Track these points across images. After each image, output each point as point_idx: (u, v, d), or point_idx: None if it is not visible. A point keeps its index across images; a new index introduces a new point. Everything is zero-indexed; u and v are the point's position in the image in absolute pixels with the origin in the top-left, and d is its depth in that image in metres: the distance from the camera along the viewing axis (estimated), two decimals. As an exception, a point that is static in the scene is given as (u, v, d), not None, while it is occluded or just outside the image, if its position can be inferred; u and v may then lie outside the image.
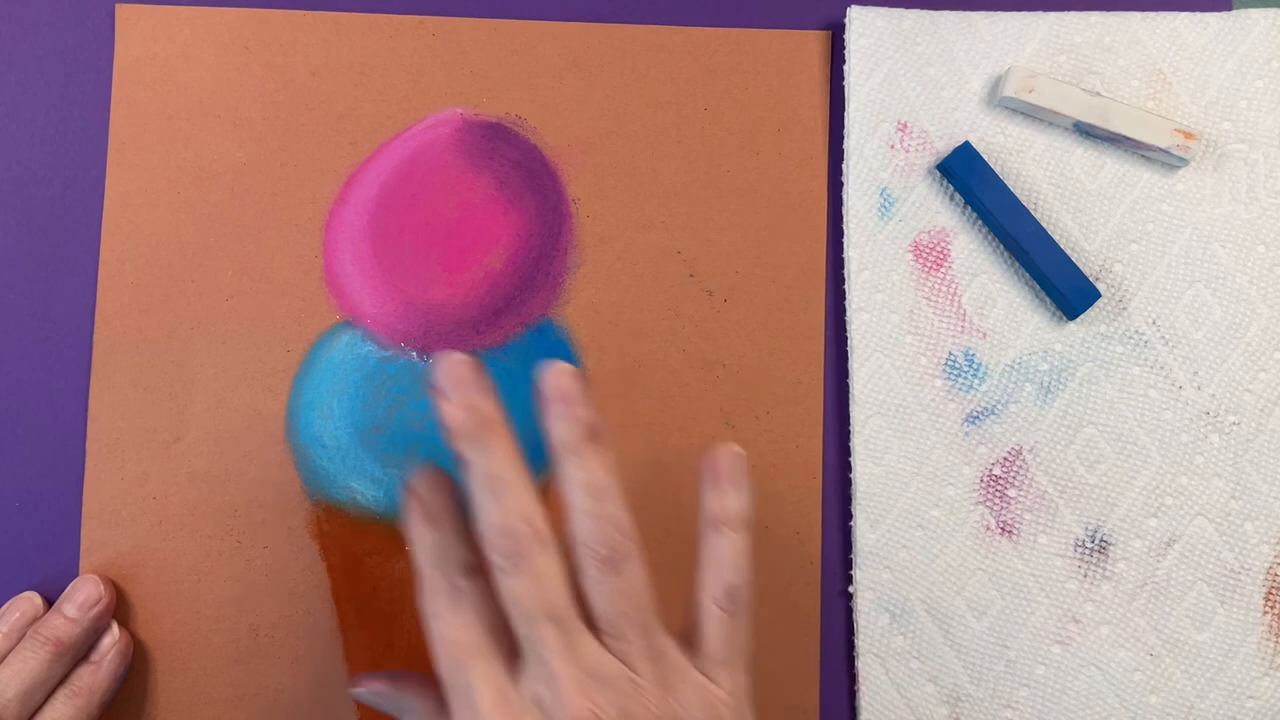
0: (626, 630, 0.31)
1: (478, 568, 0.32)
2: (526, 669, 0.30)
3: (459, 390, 0.31)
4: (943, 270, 0.41)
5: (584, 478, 0.31)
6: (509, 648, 0.31)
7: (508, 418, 0.32)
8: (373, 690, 0.35)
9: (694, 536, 0.41)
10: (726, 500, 0.33)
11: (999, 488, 0.41)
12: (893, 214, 0.41)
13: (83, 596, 0.38)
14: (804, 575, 0.41)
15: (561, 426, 0.32)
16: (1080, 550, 0.40)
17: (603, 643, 0.31)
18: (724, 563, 0.32)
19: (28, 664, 0.36)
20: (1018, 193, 0.41)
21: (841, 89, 0.42)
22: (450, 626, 0.31)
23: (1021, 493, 0.41)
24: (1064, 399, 0.41)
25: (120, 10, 0.41)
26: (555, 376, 0.32)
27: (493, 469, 0.31)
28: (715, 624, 0.32)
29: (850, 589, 0.41)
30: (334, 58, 0.42)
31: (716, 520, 0.33)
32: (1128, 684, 0.40)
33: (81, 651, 0.38)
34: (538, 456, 0.41)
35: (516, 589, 0.30)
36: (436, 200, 0.42)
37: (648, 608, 0.31)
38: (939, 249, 0.41)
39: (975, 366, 0.41)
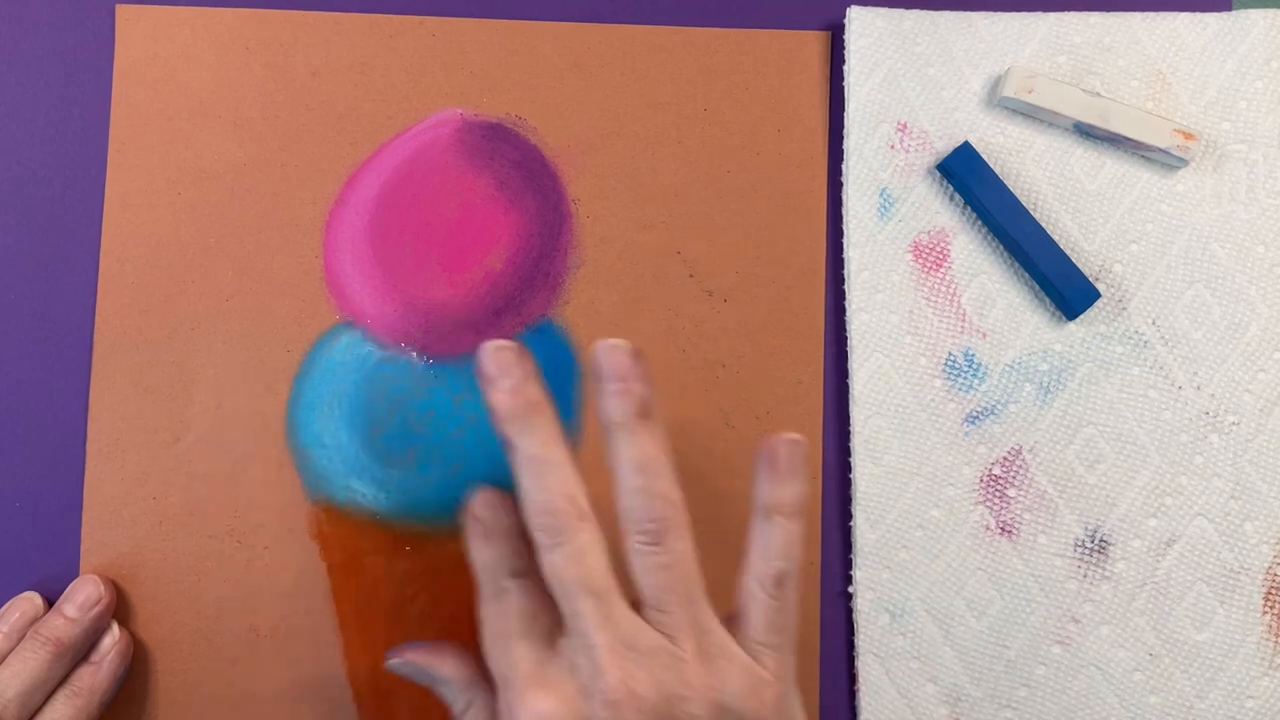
0: (670, 604, 0.31)
1: (525, 571, 0.32)
2: (567, 642, 0.31)
3: (504, 375, 0.32)
4: (942, 270, 0.41)
5: (633, 453, 0.32)
6: (553, 629, 0.31)
7: (551, 400, 0.33)
8: (407, 660, 0.35)
9: (694, 536, 0.41)
10: (782, 489, 0.33)
11: (999, 488, 0.41)
12: (892, 214, 0.41)
13: (83, 596, 0.38)
14: (804, 575, 0.41)
15: (613, 403, 0.32)
16: (1080, 550, 0.40)
17: (646, 617, 0.31)
18: (774, 549, 0.32)
19: (28, 664, 0.36)
20: (1018, 193, 0.41)
21: (841, 89, 0.42)
22: (493, 619, 0.32)
23: (1021, 493, 0.41)
24: (1064, 399, 0.41)
25: (120, 10, 0.41)
26: (610, 353, 0.32)
27: (536, 450, 0.31)
28: (762, 608, 0.32)
29: (850, 589, 0.41)
30: (334, 58, 0.42)
31: (770, 508, 0.33)
32: (1127, 684, 0.40)
33: (82, 652, 0.38)
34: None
35: (556, 564, 0.31)
36: (437, 200, 0.42)
37: (694, 583, 0.31)
38: (939, 249, 0.41)
39: (975, 366, 0.41)
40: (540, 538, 0.31)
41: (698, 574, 0.32)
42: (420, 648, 0.36)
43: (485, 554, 0.33)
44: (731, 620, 0.32)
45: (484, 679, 0.34)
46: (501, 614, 0.32)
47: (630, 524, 0.31)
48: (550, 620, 0.32)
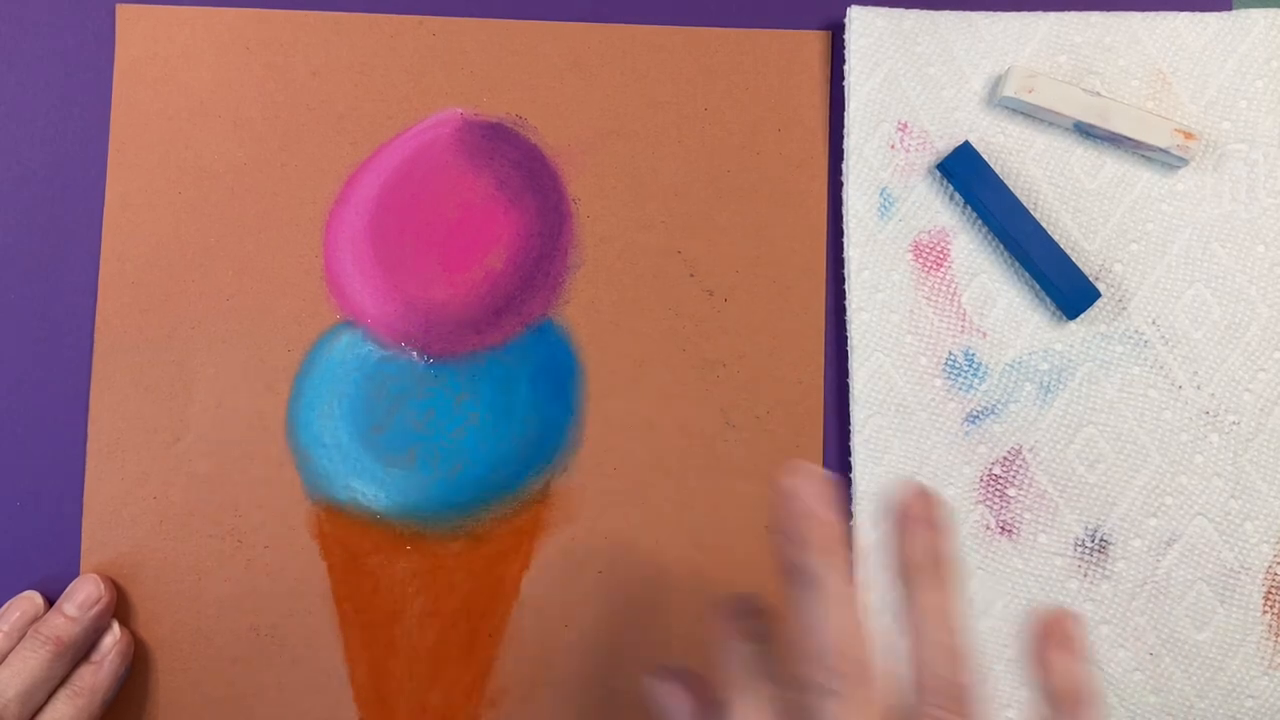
0: None
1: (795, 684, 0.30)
2: None
3: (811, 503, 0.30)
4: (943, 270, 0.41)
5: (936, 604, 0.29)
6: None
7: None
8: (663, 688, 0.33)
9: (695, 537, 0.41)
10: (1074, 672, 0.29)
11: (999, 487, 0.41)
12: (893, 214, 0.41)
13: (83, 596, 0.38)
14: (804, 575, 0.41)
15: (916, 547, 0.30)
16: (1080, 550, 0.40)
17: None
18: None
19: (28, 664, 0.36)
20: (1018, 193, 0.41)
21: (841, 89, 0.42)
22: None
23: (1021, 492, 0.41)
24: (1064, 399, 0.41)
25: (120, 10, 0.41)
26: (916, 497, 0.30)
27: (836, 587, 0.29)
28: None
29: (850, 589, 0.41)
30: (334, 58, 0.42)
31: (1064, 698, 0.29)
32: (1128, 683, 0.40)
33: (82, 651, 0.38)
34: (536, 455, 0.41)
35: (841, 715, 0.28)
36: (437, 200, 0.42)
37: None
38: (939, 249, 0.41)
39: (975, 366, 0.41)
40: (827, 679, 0.28)
41: None
42: (680, 676, 0.33)
43: (746, 651, 0.30)
44: None
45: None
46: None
47: (928, 681, 0.28)
48: None
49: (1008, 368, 0.41)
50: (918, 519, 0.30)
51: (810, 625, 0.29)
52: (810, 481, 0.30)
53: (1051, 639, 0.29)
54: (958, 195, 0.41)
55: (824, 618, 0.29)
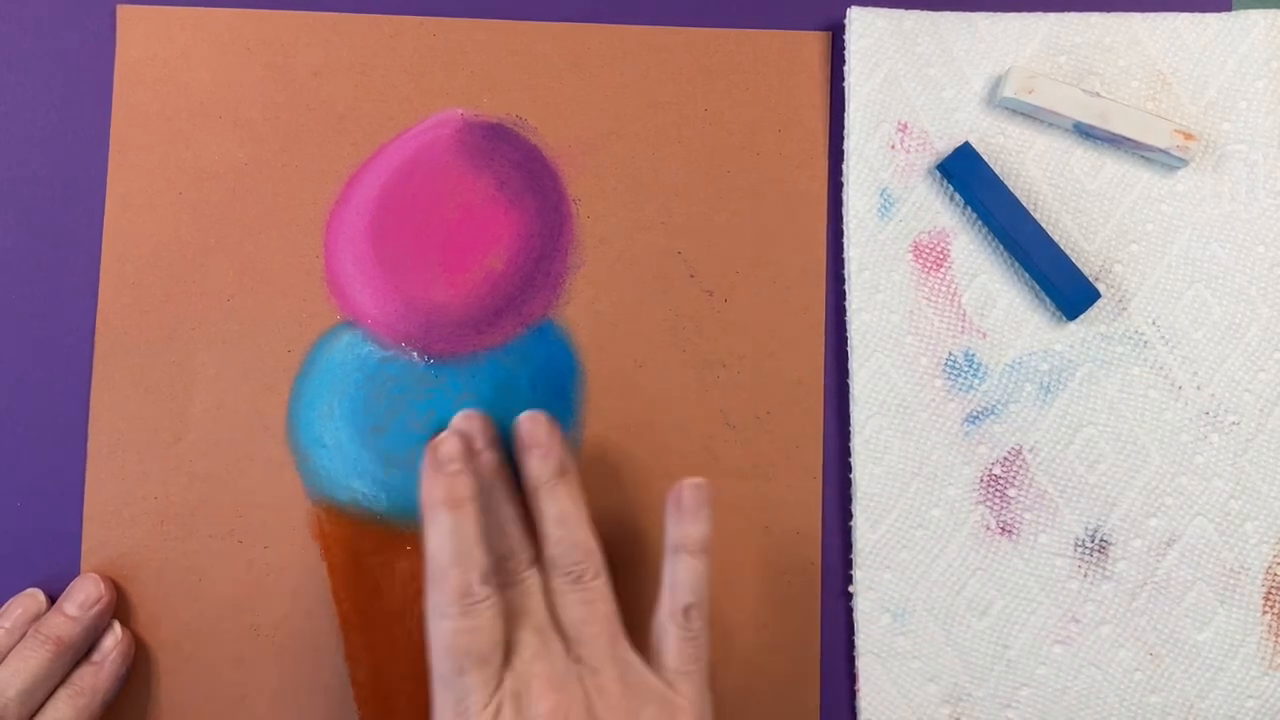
0: (592, 638, 0.35)
1: (492, 573, 0.35)
2: (512, 669, 0.34)
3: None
4: (943, 270, 0.41)
5: (555, 509, 0.36)
6: (505, 654, 0.35)
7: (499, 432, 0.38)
8: None
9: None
10: (687, 528, 0.36)
11: (999, 487, 0.41)
12: (893, 214, 0.41)
13: (83, 595, 0.38)
14: (804, 575, 0.41)
15: (536, 466, 0.37)
16: (1080, 550, 0.40)
17: (573, 651, 0.35)
18: (683, 585, 0.36)
19: (27, 663, 0.36)
20: (1018, 193, 0.41)
21: (841, 89, 0.42)
22: (462, 634, 0.34)
23: (1021, 492, 0.41)
24: (1064, 399, 0.41)
25: (121, 11, 0.42)
26: (531, 424, 0.37)
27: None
28: (674, 640, 0.35)
29: (851, 589, 0.41)
30: (334, 58, 0.42)
31: (677, 546, 0.36)
32: (1128, 684, 0.40)
33: (82, 650, 0.38)
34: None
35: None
36: (437, 201, 0.42)
37: (613, 620, 0.36)
38: (939, 249, 0.41)
39: (975, 366, 0.41)
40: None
41: (616, 613, 0.36)
42: None
43: (451, 524, 0.35)
44: (649, 654, 0.36)
45: None
46: (474, 633, 0.34)
47: (555, 570, 0.36)
48: (505, 646, 0.35)
49: (1008, 368, 0.41)
50: (538, 444, 0.37)
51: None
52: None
53: (681, 507, 0.36)
54: (958, 196, 0.41)
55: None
